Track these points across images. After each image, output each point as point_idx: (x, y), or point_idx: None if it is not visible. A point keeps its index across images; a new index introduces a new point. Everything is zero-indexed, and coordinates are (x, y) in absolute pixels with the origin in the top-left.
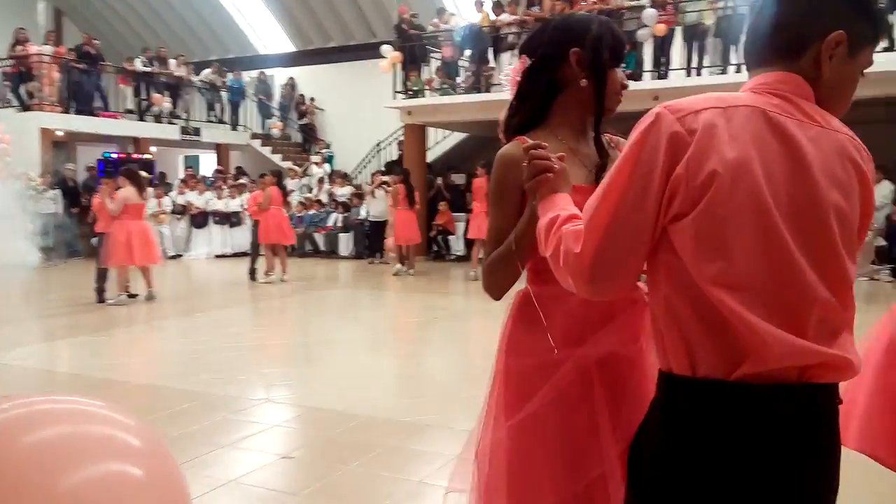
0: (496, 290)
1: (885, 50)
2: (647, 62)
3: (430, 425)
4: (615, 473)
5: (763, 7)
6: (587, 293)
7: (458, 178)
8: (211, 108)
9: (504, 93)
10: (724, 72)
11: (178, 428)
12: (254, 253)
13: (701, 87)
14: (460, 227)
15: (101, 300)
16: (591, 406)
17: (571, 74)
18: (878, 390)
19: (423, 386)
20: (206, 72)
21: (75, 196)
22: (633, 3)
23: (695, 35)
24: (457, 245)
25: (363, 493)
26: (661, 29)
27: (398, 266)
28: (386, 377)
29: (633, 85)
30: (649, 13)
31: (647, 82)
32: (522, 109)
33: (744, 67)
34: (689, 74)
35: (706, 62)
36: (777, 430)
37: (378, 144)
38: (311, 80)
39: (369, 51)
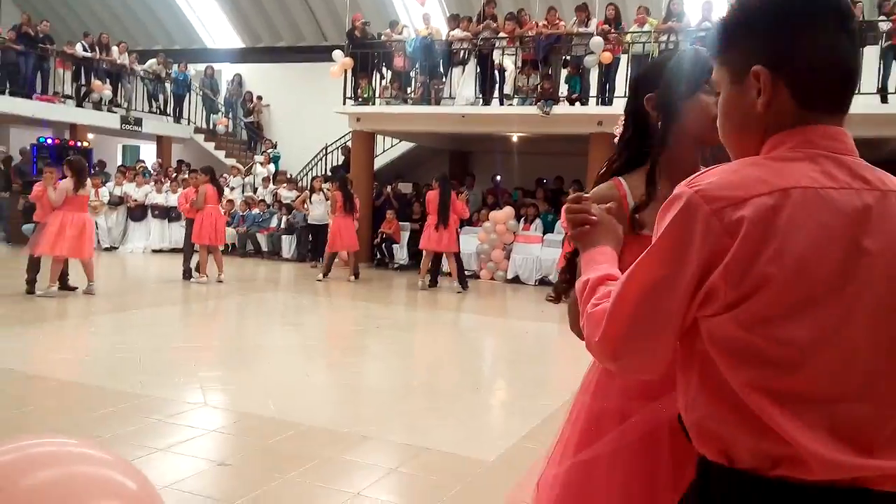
0: (579, 333)
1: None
2: (594, 88)
3: (367, 437)
4: None
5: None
6: (616, 372)
7: (406, 187)
8: (154, 98)
9: (453, 106)
10: None
11: (110, 430)
12: (187, 252)
13: None
14: (406, 235)
15: (30, 291)
16: (654, 463)
17: (654, 118)
18: None
19: (362, 397)
20: (151, 62)
21: (7, 180)
22: (581, 30)
23: (640, 65)
24: (401, 254)
25: None
26: (606, 57)
27: (320, 276)
28: (325, 386)
29: (578, 109)
30: (596, 41)
31: (592, 107)
32: (620, 156)
33: None
34: None
35: None
36: None
37: (325, 148)
38: (260, 78)
39: (319, 53)
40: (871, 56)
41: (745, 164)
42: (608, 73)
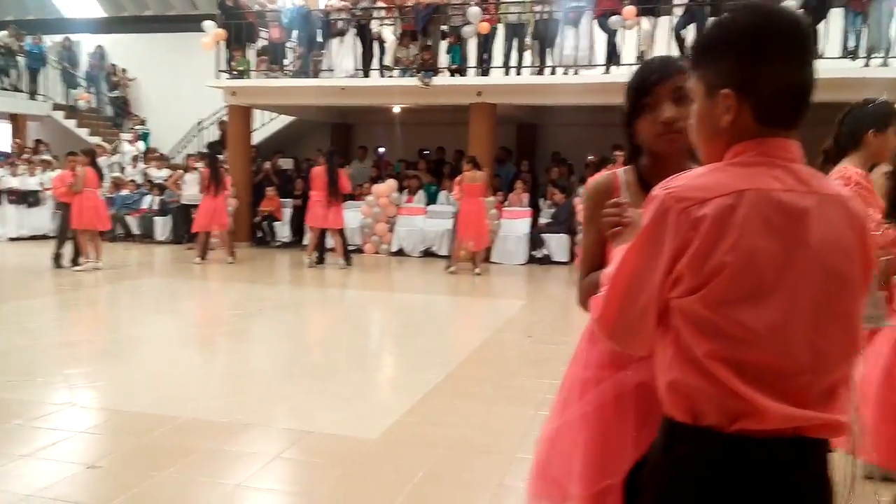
0: (584, 307)
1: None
2: (472, 58)
3: (250, 425)
4: (622, 489)
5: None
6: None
7: (286, 163)
8: (5, 73)
9: (333, 79)
10: (541, 72)
11: None
12: (61, 238)
13: (520, 86)
14: (287, 213)
15: None
16: (623, 422)
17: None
18: (880, 406)
19: (243, 383)
20: (2, 34)
21: None
22: (458, 2)
23: (515, 34)
24: (283, 231)
25: (178, 501)
26: (484, 27)
27: (197, 259)
28: (203, 375)
29: (458, 80)
30: (473, 11)
31: (472, 78)
32: (626, 150)
33: (559, 70)
34: (507, 73)
35: (526, 62)
36: (772, 476)
37: (199, 123)
38: (124, 50)
39: (189, 23)
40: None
41: (710, 169)
42: (486, 43)
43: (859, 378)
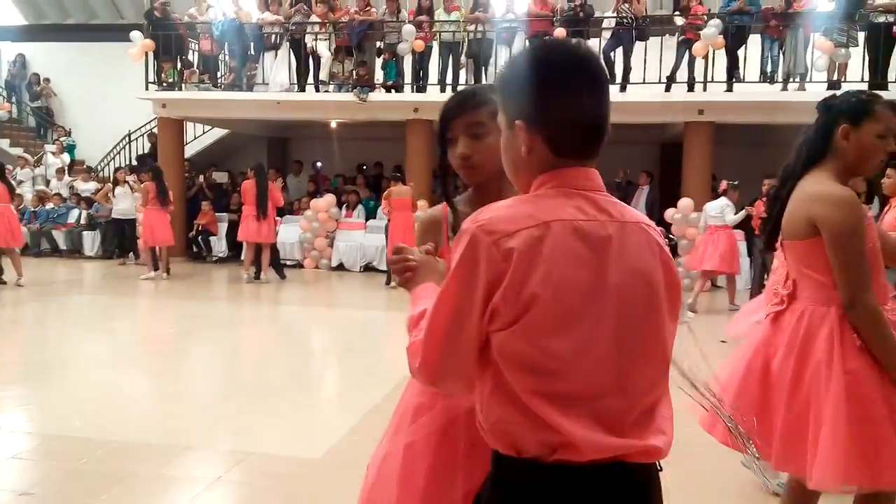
0: None
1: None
2: (408, 75)
3: (189, 447)
4: None
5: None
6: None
7: (221, 177)
8: None
9: (268, 92)
10: None
11: None
12: None
13: None
14: (223, 227)
15: None
16: (453, 448)
17: None
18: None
19: (181, 405)
20: None
21: None
22: (392, 20)
23: (450, 52)
24: (219, 246)
25: None
26: (419, 45)
27: (150, 273)
28: (139, 396)
29: (394, 96)
30: (408, 29)
31: (408, 94)
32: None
33: None
34: (443, 90)
35: (461, 80)
36: (596, 501)
37: (128, 136)
38: (47, 59)
39: (115, 32)
40: (658, 46)
41: (517, 201)
42: (421, 60)
43: (732, 372)
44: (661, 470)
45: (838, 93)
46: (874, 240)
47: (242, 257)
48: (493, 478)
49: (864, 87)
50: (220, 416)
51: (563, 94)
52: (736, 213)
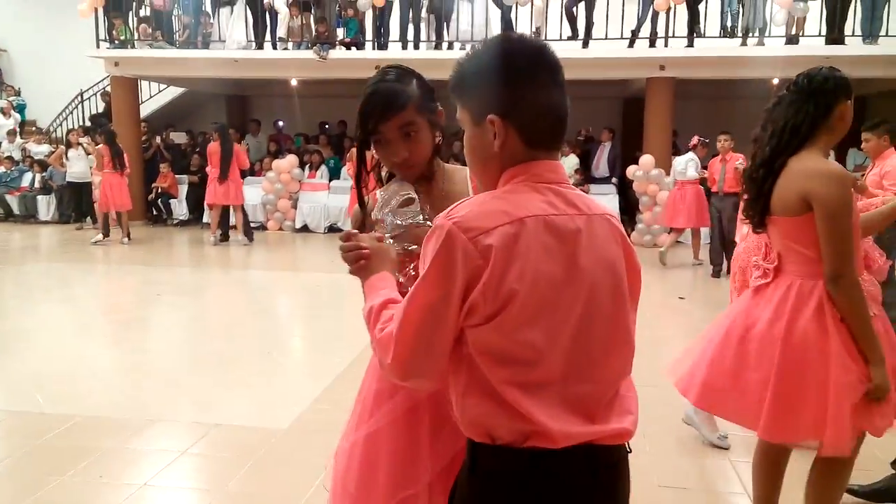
0: None
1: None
2: (369, 32)
3: (153, 421)
4: (424, 496)
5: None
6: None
7: (179, 137)
8: None
9: (224, 50)
10: (437, 47)
11: None
12: None
13: (417, 60)
14: (183, 189)
15: None
16: (418, 432)
17: None
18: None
19: (144, 376)
20: None
21: None
22: None
23: (411, 7)
24: (180, 209)
25: None
26: (379, 0)
27: (98, 236)
28: (101, 369)
29: (355, 53)
30: None
31: (369, 52)
32: None
33: (456, 45)
34: (405, 48)
35: (422, 35)
36: (567, 483)
37: (81, 95)
38: None
39: None
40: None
41: (490, 197)
42: (382, 17)
43: (709, 340)
44: (630, 451)
45: (815, 73)
46: (857, 215)
47: (205, 220)
48: (468, 465)
49: (822, 41)
50: (185, 387)
51: (534, 86)
52: (697, 171)
